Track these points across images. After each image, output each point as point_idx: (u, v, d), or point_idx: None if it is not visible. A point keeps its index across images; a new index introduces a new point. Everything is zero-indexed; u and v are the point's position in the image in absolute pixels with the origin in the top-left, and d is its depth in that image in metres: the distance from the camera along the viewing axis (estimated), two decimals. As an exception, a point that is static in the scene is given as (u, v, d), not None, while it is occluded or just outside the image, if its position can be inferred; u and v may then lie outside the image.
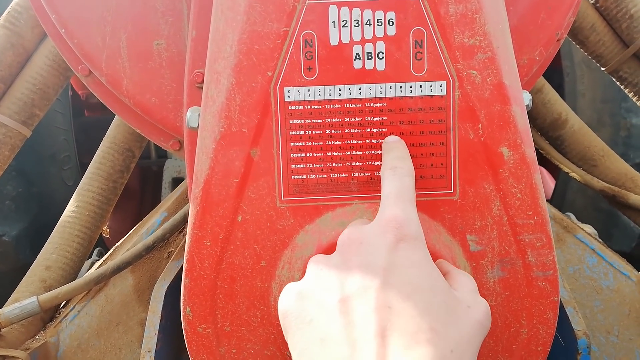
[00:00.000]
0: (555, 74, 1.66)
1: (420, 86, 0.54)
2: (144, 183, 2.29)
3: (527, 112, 0.59)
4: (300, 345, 0.43)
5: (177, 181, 1.89)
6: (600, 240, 0.90)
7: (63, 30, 0.70)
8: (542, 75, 0.82)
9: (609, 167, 0.97)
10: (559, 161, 0.97)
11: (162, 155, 2.02)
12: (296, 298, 0.46)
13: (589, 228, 0.96)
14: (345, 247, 0.47)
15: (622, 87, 1.01)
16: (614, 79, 1.01)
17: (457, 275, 0.48)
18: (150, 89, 0.70)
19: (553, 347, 0.57)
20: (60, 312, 0.82)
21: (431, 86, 0.54)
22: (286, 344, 0.55)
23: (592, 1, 0.97)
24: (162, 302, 0.72)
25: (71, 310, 0.80)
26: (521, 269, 0.56)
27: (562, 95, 1.59)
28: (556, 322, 0.56)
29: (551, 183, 2.00)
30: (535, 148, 1.04)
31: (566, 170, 0.97)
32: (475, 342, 0.42)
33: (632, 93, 0.99)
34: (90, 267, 0.93)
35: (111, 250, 0.90)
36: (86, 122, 2.03)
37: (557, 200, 1.69)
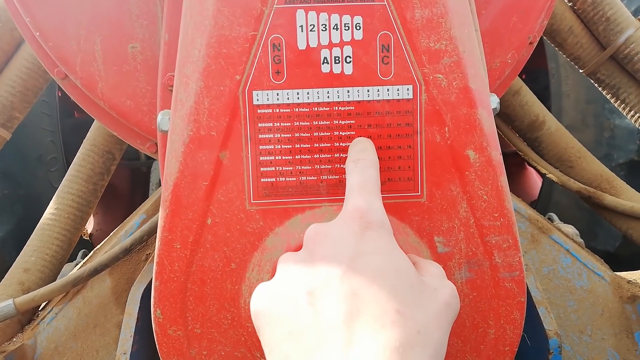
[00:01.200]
0: (541, 75, 1.67)
1: (388, 90, 0.55)
2: (134, 184, 2.29)
3: (505, 114, 0.60)
4: (271, 341, 0.43)
5: (165, 182, 1.88)
6: (579, 240, 0.91)
7: (38, 34, 0.70)
8: (529, 77, 0.83)
9: (585, 169, 0.98)
10: (537, 162, 0.98)
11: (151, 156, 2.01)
12: (266, 297, 0.46)
13: (570, 228, 0.97)
14: (311, 241, 0.47)
15: (600, 89, 1.01)
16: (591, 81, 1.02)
17: (425, 265, 0.49)
18: (125, 92, 0.70)
19: (524, 348, 0.58)
20: (38, 315, 0.82)
21: (398, 90, 0.55)
22: (256, 345, 0.56)
23: (570, 4, 0.98)
24: (139, 305, 0.72)
25: (49, 312, 0.80)
26: (488, 270, 0.56)
27: (548, 97, 1.61)
28: (523, 322, 0.57)
29: (539, 182, 2.01)
30: (515, 151, 1.06)
31: (543, 171, 0.98)
32: (443, 324, 0.42)
33: (609, 95, 1.00)
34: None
35: (91, 252, 0.90)
36: (75, 123, 2.03)
37: (543, 200, 1.70)
